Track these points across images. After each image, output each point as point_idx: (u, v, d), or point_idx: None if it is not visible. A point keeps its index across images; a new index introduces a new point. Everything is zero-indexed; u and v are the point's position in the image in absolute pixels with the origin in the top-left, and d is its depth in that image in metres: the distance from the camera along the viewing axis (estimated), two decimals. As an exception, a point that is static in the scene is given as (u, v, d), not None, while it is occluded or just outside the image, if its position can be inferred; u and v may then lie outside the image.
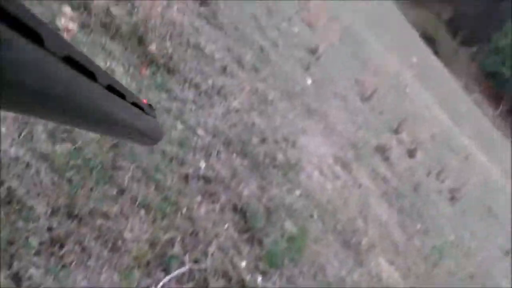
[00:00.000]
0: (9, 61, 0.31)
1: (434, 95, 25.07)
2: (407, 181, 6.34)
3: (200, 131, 2.80)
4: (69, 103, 0.45)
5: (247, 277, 2.53)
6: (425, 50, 34.44)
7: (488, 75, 45.29)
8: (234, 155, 2.88)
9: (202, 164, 2.63)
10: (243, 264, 2.60)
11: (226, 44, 3.84)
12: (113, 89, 0.56)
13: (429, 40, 39.17)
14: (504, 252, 9.72)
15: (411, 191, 6.10)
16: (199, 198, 2.50)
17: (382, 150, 6.02)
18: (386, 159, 5.98)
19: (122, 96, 0.60)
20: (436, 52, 37.56)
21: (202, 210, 2.49)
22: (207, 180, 2.59)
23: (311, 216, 3.09)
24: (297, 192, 3.16)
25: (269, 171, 3.03)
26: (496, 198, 14.70)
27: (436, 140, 12.35)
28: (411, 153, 8.34)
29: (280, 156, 3.25)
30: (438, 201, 7.68)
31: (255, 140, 3.14)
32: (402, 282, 3.66)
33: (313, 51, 7.05)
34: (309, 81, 5.53)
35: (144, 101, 0.86)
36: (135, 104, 0.69)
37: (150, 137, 0.94)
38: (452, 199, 9.00)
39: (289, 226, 2.81)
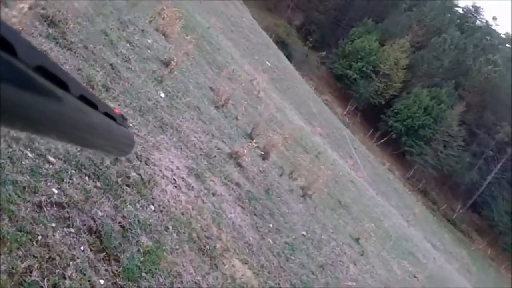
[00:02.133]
0: None
1: (287, 98, 26.60)
2: (260, 184, 6.81)
3: (51, 158, 2.85)
4: (40, 113, 0.47)
5: (105, 294, 2.66)
6: (278, 54, 36.20)
7: (337, 77, 49.31)
8: (87, 178, 2.98)
9: (55, 190, 2.70)
10: (101, 282, 2.73)
11: (75, 65, 3.86)
12: (86, 99, 0.61)
13: (282, 44, 41.26)
14: (354, 239, 10.74)
15: (264, 193, 6.59)
16: (53, 224, 2.57)
17: (235, 157, 6.43)
18: (239, 165, 6.40)
19: (94, 106, 0.65)
20: (288, 56, 39.66)
21: (57, 235, 2.57)
22: (60, 205, 2.66)
23: (166, 228, 3.30)
24: (152, 207, 3.34)
25: (123, 190, 3.18)
26: (345, 191, 16.08)
27: (289, 141, 13.09)
28: (264, 156, 8.87)
29: (133, 174, 3.41)
30: (290, 200, 8.27)
31: (107, 161, 3.26)
32: (255, 279, 4.03)
33: (166, 63, 7.20)
34: (162, 95, 5.70)
35: (116, 111, 0.93)
36: (107, 114, 0.74)
37: (122, 147, 1.00)
38: (304, 196, 9.72)
39: (145, 241, 2.99)
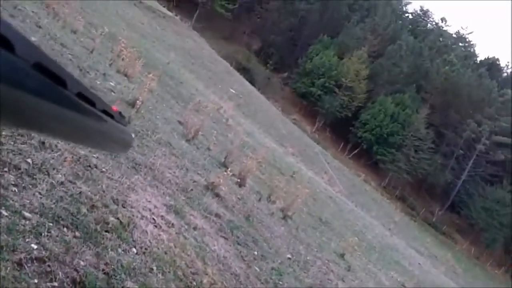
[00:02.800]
0: None
1: (256, 122, 26.79)
2: (240, 212, 6.81)
3: (27, 213, 2.81)
4: (38, 110, 0.47)
5: None
6: (241, 81, 36.56)
7: (301, 96, 49.94)
8: (65, 229, 2.94)
9: (34, 246, 2.65)
10: (91, 333, 2.68)
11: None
12: (84, 97, 0.61)
13: (244, 70, 41.71)
14: (339, 255, 10.74)
15: (244, 221, 6.58)
16: (35, 280, 2.52)
17: (212, 187, 6.42)
18: (217, 195, 6.39)
19: (92, 103, 0.65)
20: (251, 81, 40.08)
21: (39, 291, 2.52)
22: (41, 260, 2.61)
23: (151, 270, 3.27)
24: (134, 250, 3.31)
25: (103, 236, 3.14)
26: (325, 207, 16.14)
27: (263, 164, 13.13)
28: (240, 183, 8.87)
29: (111, 219, 3.37)
30: (272, 223, 8.26)
31: (83, 209, 3.22)
32: (245, 310, 4.01)
33: (132, 104, 7.20)
34: (132, 135, 5.69)
35: (114, 108, 0.92)
36: (105, 112, 0.74)
37: (119, 144, 0.98)
38: (285, 217, 9.72)
39: (131, 285, 2.95)
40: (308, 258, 8.25)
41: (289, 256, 7.20)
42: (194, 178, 6.28)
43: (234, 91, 30.17)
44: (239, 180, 8.75)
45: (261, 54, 52.25)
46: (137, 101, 7.21)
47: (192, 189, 5.64)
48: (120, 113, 0.89)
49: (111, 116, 0.78)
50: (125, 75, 9.59)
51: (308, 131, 45.50)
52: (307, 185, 16.55)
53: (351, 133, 49.18)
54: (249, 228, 6.50)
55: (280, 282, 5.63)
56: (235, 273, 4.61)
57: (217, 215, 5.63)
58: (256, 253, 5.77)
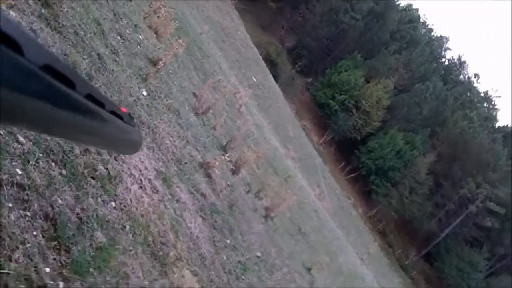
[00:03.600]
0: None
1: (267, 116, 26.73)
2: (226, 198, 6.81)
3: (21, 138, 2.80)
4: (47, 112, 0.47)
5: (49, 283, 2.61)
6: (266, 72, 36.43)
7: (318, 105, 49.85)
8: (53, 164, 2.93)
9: (19, 171, 2.64)
10: (47, 270, 2.68)
11: (63, 50, 3.82)
12: (93, 98, 0.61)
13: (271, 63, 41.55)
14: (306, 268, 10.77)
15: (227, 208, 6.58)
16: (10, 204, 2.52)
17: (206, 167, 6.42)
18: (209, 175, 6.39)
19: (101, 105, 0.65)
20: (275, 76, 39.95)
21: (12, 216, 2.52)
22: (21, 187, 2.61)
23: (123, 228, 3.27)
24: (113, 204, 3.31)
25: (87, 181, 3.14)
26: (307, 219, 16.16)
27: (262, 159, 13.12)
28: (234, 171, 8.88)
29: (100, 168, 3.37)
30: (252, 219, 8.28)
31: (77, 150, 3.22)
32: (201, 293, 4.02)
33: (154, 62, 7.18)
34: (144, 93, 5.67)
35: (123, 110, 0.91)
36: (114, 113, 0.74)
37: (128, 146, 0.98)
38: (266, 217, 9.74)
39: (99, 237, 2.95)
40: (276, 261, 8.27)
41: (259, 254, 7.21)
42: (192, 152, 6.28)
43: (255, 80, 30.08)
44: (233, 168, 8.76)
45: (292, 53, 52.04)
46: (160, 62, 7.18)
47: (186, 163, 5.63)
48: (129, 114, 0.88)
49: (120, 117, 0.77)
50: (156, 33, 9.55)
51: (315, 141, 45.40)
52: (297, 192, 16.57)
53: (355, 156, 49.05)
54: (230, 216, 6.51)
55: (243, 277, 5.65)
56: (203, 255, 4.61)
57: (202, 195, 5.63)
58: (228, 241, 5.78)
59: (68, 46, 3.95)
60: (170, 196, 4.44)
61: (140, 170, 4.02)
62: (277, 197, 10.78)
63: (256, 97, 26.15)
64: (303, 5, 51.36)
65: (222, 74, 16.56)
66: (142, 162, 4.15)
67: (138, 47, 7.01)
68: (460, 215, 50.41)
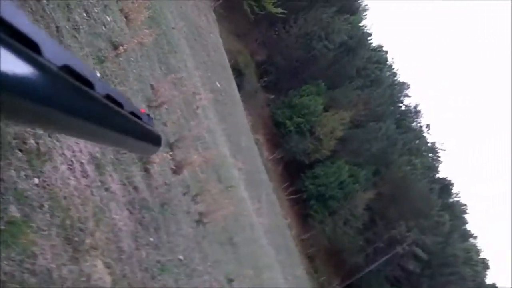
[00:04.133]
0: (6, 70, 0.33)
1: (223, 123, 26.68)
2: (159, 196, 6.74)
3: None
4: (67, 112, 0.47)
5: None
6: (231, 80, 36.44)
7: (275, 123, 50.35)
8: (-20, 128, 2.85)
9: None
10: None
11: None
12: (111, 98, 0.61)
13: (238, 72, 41.64)
14: (228, 280, 10.76)
15: (159, 206, 6.52)
16: None
17: (145, 161, 6.35)
18: (146, 170, 6.32)
19: (120, 105, 0.64)
20: (239, 86, 40.03)
21: None
22: None
23: (42, 206, 3.18)
24: (36, 181, 3.22)
25: (13, 153, 3.04)
26: (241, 231, 16.18)
27: (207, 164, 13.04)
28: (175, 171, 8.80)
29: (31, 142, 3.27)
30: (183, 221, 8.21)
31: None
32: (111, 286, 3.95)
33: (116, 46, 7.06)
34: (97, 74, 5.57)
35: (142, 110, 0.87)
36: (133, 114, 0.73)
37: (147, 146, 0.94)
38: (198, 222, 9.69)
39: (13, 211, 2.87)
40: (198, 268, 8.23)
41: (181, 257, 7.16)
42: (134, 144, 6.17)
43: (219, 86, 30.00)
44: (175, 168, 8.68)
45: (261, 67, 52.43)
46: (121, 47, 7.07)
47: (125, 153, 5.55)
48: (148, 115, 0.89)
49: (139, 118, 0.77)
50: (126, 17, 9.37)
51: (265, 157, 45.66)
52: (236, 203, 16.55)
53: (300, 178, 49.73)
54: (159, 215, 6.44)
55: (159, 277, 5.59)
56: (121, 248, 4.55)
57: (135, 188, 5.56)
58: (151, 240, 5.72)
59: (26, 12, 3.84)
60: (99, 184, 4.36)
61: (74, 152, 3.94)
62: (214, 204, 10.70)
63: (216, 102, 26.05)
64: (280, 23, 51.94)
65: (186, 73, 16.43)
66: (78, 144, 4.06)
67: (103, 28, 6.88)
68: (387, 254, 51.98)
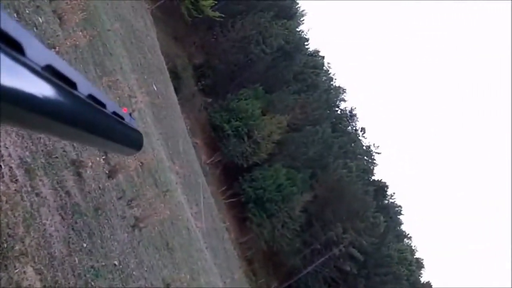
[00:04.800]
0: None
1: (160, 127, 26.41)
2: (93, 201, 6.65)
3: None
4: (48, 112, 0.46)
5: None
6: (168, 84, 36.06)
7: (213, 126, 50.29)
8: None
9: None
10: None
11: None
12: (94, 98, 0.60)
13: (175, 75, 41.27)
14: (165, 284, 10.68)
15: (92, 211, 6.43)
16: None
17: (78, 165, 6.25)
18: (79, 174, 6.22)
19: (102, 105, 0.64)
20: (176, 89, 39.69)
21: None
22: None
23: (-32, 212, 3.12)
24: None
25: None
26: (177, 235, 16.06)
27: (143, 168, 12.90)
28: (110, 175, 8.67)
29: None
30: (118, 226, 8.10)
31: None
32: (42, 293, 3.90)
33: (48, 48, 6.89)
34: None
35: (124, 110, 0.87)
36: (115, 114, 0.73)
37: (130, 146, 0.91)
38: (134, 226, 9.57)
39: None
40: (134, 273, 8.14)
41: (116, 263, 7.07)
42: (66, 148, 6.08)
43: (156, 89, 29.64)
44: (110, 172, 8.55)
45: (198, 71, 52.26)
46: (54, 49, 6.93)
47: (57, 157, 5.46)
48: (130, 114, 0.89)
49: (122, 118, 0.78)
50: (59, 19, 9.14)
51: (203, 160, 45.52)
52: (173, 208, 16.43)
53: (238, 182, 49.95)
54: (93, 219, 6.35)
55: (93, 283, 5.52)
56: (53, 254, 4.48)
57: (67, 193, 5.47)
58: (85, 245, 5.64)
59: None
60: (30, 188, 4.28)
61: (2, 156, 3.86)
62: (150, 209, 10.60)
63: (152, 106, 25.72)
64: (218, 27, 52.07)
65: (122, 75, 16.16)
66: (7, 148, 3.98)
67: (35, 29, 6.71)
68: (324, 256, 53.23)
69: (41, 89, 0.43)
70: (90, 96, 0.59)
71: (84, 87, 0.56)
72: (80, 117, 0.56)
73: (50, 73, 0.46)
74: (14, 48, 0.38)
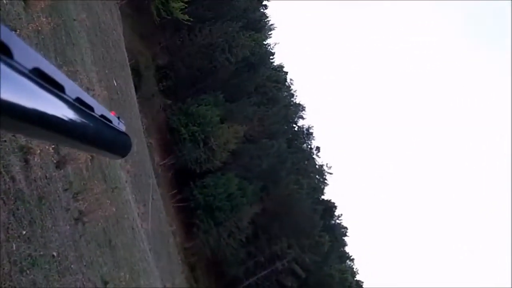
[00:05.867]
0: None
1: (115, 123, 25.95)
2: (37, 189, 6.57)
3: None
4: (35, 115, 0.45)
5: None
6: (129, 80, 35.59)
7: (170, 129, 49.81)
8: None
9: None
10: None
11: None
12: (82, 102, 0.60)
13: (137, 73, 40.79)
14: (103, 281, 10.55)
15: (36, 199, 6.36)
16: None
17: (26, 151, 6.17)
18: (26, 160, 6.15)
19: (90, 108, 0.63)
20: (137, 87, 39.19)
21: None
22: None
23: None
24: None
25: None
26: (122, 234, 15.85)
27: (94, 162, 12.74)
28: (58, 165, 8.55)
29: None
30: (61, 218, 7.98)
31: None
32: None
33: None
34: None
35: (113, 113, 0.85)
36: (103, 117, 0.72)
37: (117, 150, 0.89)
38: (78, 220, 9.44)
39: None
40: (72, 266, 8.04)
41: (55, 254, 7.00)
42: (13, 137, 5.99)
43: (116, 84, 29.21)
44: (58, 162, 8.44)
45: (161, 71, 51.85)
46: (16, 31, 6.84)
47: (5, 141, 5.40)
48: (118, 117, 0.88)
49: (109, 121, 0.77)
50: (24, 2, 9.01)
51: (156, 162, 45.01)
52: (119, 205, 16.22)
53: (189, 187, 49.65)
54: (35, 208, 6.28)
55: (28, 271, 5.47)
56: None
57: (12, 178, 5.42)
58: (24, 232, 5.59)
59: None
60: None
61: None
62: (96, 204, 10.49)
63: (110, 101, 25.32)
64: (186, 31, 51.93)
65: (83, 67, 15.94)
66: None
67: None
68: (266, 269, 53.48)
69: (29, 92, 0.44)
70: (78, 99, 0.59)
71: (72, 90, 0.56)
72: (68, 120, 0.55)
73: (37, 76, 0.46)
74: (1, 51, 0.39)
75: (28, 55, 0.43)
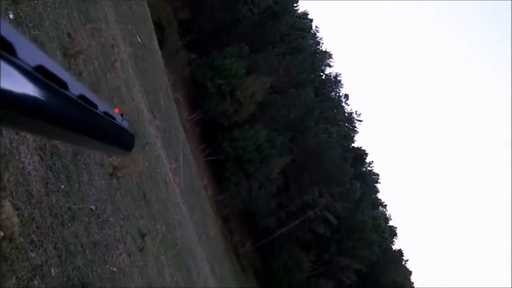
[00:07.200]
0: None
1: (142, 79, 26.05)
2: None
3: None
4: (40, 113, 0.45)
5: None
6: (152, 36, 35.38)
7: (196, 83, 49.71)
8: None
9: None
10: None
11: None
12: (85, 99, 0.60)
13: (160, 28, 40.45)
14: (140, 234, 10.86)
15: (71, 155, 6.48)
16: None
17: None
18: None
19: (94, 105, 0.63)
20: (160, 42, 38.97)
21: None
22: None
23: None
24: None
25: None
26: (155, 188, 16.17)
27: (123, 117, 12.83)
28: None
29: None
30: (96, 173, 8.15)
31: None
32: (18, 227, 3.99)
33: (30, -12, 6.74)
34: (11, 16, 5.36)
35: (116, 110, 0.85)
36: (106, 114, 0.71)
37: (121, 147, 0.90)
38: (112, 175, 9.64)
39: None
40: (110, 219, 8.27)
41: (93, 207, 7.18)
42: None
43: (140, 40, 29.08)
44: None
45: (183, 26, 51.23)
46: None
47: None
48: (122, 114, 0.89)
49: (113, 118, 0.77)
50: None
51: (184, 117, 45.29)
52: (152, 161, 16.47)
53: (218, 140, 50.02)
54: (71, 163, 6.41)
55: (69, 224, 5.63)
56: (31, 192, 4.56)
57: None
58: (63, 187, 5.72)
59: None
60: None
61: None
62: (129, 159, 10.64)
63: (135, 57, 25.27)
64: (206, -16, 50.87)
65: (106, 24, 15.83)
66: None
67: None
68: (298, 218, 54.26)
69: (33, 89, 0.43)
70: (81, 97, 0.58)
71: (75, 88, 0.56)
72: (72, 118, 0.55)
73: (41, 74, 0.46)
74: (5, 49, 0.38)
75: (32, 53, 0.42)
